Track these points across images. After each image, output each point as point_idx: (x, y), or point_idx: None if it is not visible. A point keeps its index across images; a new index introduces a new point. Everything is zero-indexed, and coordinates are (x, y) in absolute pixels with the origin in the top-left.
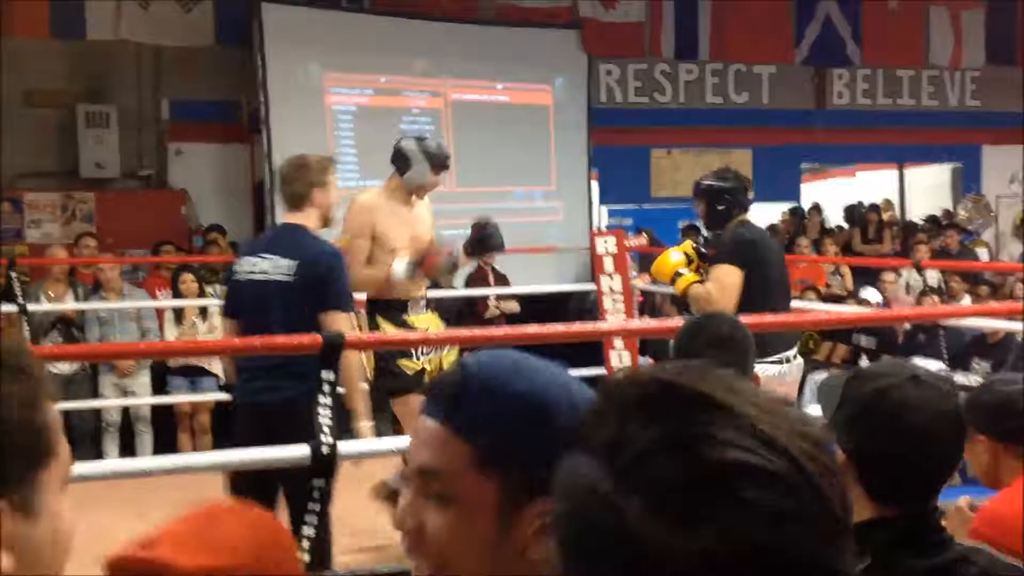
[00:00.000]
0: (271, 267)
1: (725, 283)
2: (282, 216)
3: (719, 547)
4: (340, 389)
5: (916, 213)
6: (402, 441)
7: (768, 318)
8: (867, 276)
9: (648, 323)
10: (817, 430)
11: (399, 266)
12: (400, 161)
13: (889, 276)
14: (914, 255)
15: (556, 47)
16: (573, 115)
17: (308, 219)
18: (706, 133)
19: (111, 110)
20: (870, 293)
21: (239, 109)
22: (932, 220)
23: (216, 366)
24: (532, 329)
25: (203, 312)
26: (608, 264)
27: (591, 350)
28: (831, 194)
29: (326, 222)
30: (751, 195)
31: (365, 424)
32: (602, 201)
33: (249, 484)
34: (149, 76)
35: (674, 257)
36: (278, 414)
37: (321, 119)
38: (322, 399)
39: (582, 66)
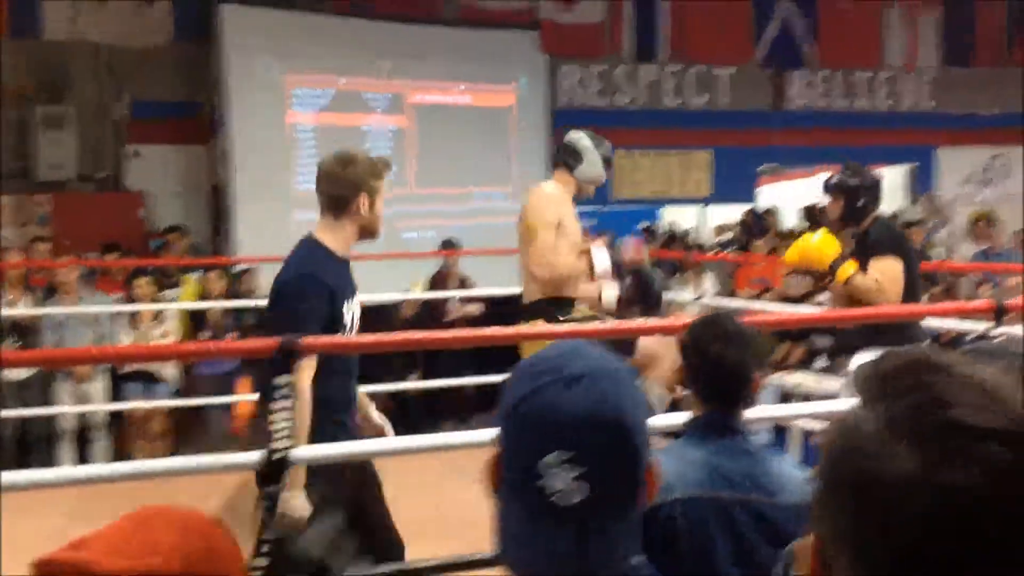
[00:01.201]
0: None
1: (892, 275)
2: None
3: (959, 494)
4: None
5: None
6: (357, 446)
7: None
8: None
9: (606, 325)
10: None
11: (608, 293)
12: (572, 156)
13: None
14: None
15: (517, 48)
16: (534, 116)
17: (339, 232)
18: (666, 135)
19: (69, 110)
20: (824, 294)
21: (198, 109)
22: None
23: (168, 371)
24: (491, 331)
25: (157, 316)
26: None
27: None
28: (790, 195)
29: (368, 233)
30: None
31: (293, 495)
32: None
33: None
34: (106, 76)
35: (819, 240)
36: None
37: (281, 120)
38: (277, 404)
39: (543, 67)
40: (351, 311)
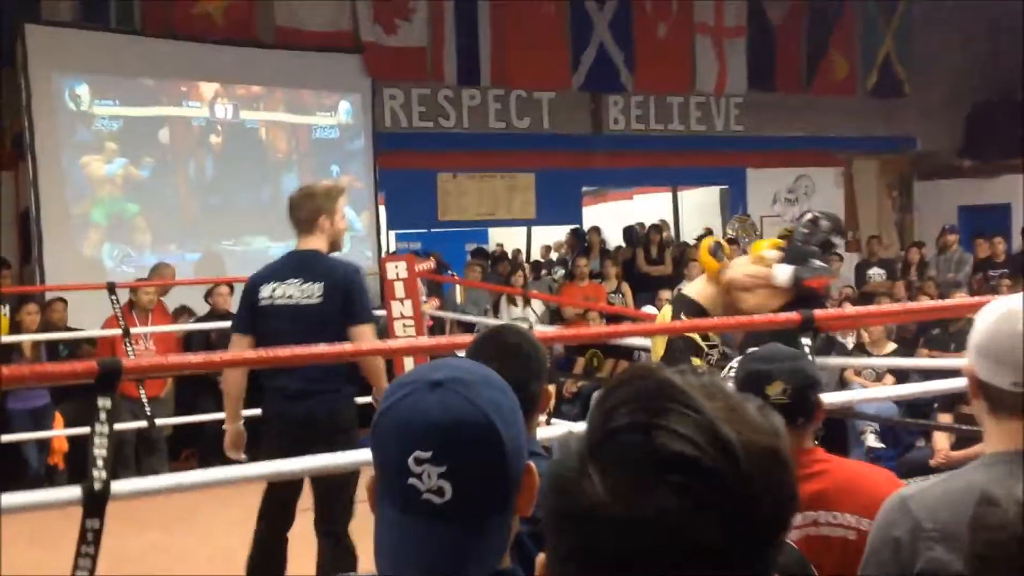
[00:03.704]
0: (298, 292)
1: None
2: (296, 242)
3: (648, 522)
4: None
5: (689, 233)
6: (179, 478)
7: (549, 332)
8: (646, 294)
9: (437, 340)
10: (772, 437)
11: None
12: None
13: (665, 294)
14: (689, 272)
15: (340, 71)
16: (359, 139)
17: (318, 244)
18: (490, 157)
19: None
20: (650, 310)
21: (2, 135)
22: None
23: None
24: (321, 349)
25: None
26: (399, 289)
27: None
28: (611, 216)
29: (334, 247)
30: None
31: None
32: (390, 226)
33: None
34: None
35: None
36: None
37: (91, 144)
38: (98, 427)
39: (366, 90)
40: None
